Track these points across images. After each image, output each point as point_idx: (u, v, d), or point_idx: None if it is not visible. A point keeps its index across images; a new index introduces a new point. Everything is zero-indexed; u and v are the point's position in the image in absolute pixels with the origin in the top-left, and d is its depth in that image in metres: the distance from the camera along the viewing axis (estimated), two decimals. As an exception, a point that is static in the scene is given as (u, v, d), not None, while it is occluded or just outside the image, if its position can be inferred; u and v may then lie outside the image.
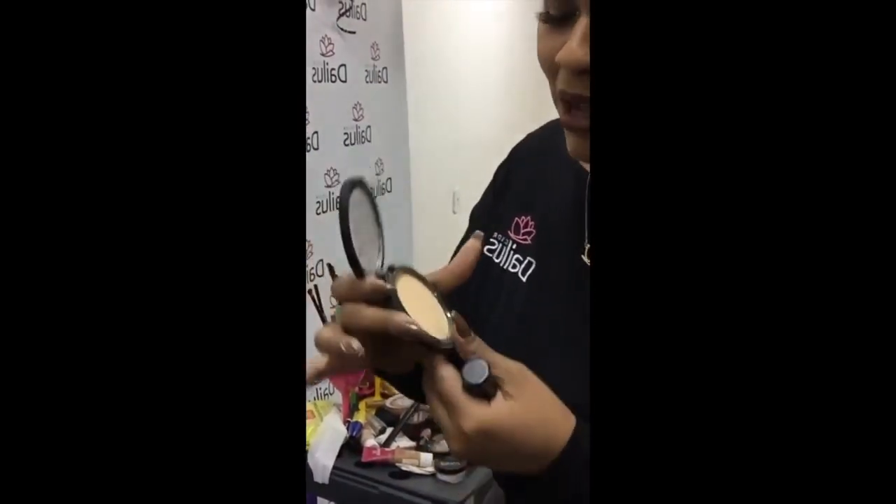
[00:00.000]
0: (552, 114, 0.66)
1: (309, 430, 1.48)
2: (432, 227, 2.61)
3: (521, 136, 0.77)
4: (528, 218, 0.68)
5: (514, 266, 0.67)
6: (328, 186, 1.92)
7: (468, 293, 0.66)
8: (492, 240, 0.70)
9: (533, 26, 0.53)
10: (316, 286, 1.68)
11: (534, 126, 0.76)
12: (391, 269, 0.49)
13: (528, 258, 0.66)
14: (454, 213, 3.05)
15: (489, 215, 0.73)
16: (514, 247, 0.67)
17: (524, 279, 0.65)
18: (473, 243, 0.54)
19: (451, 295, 0.53)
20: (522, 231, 0.68)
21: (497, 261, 0.68)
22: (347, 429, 1.50)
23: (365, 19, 2.03)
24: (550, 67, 0.51)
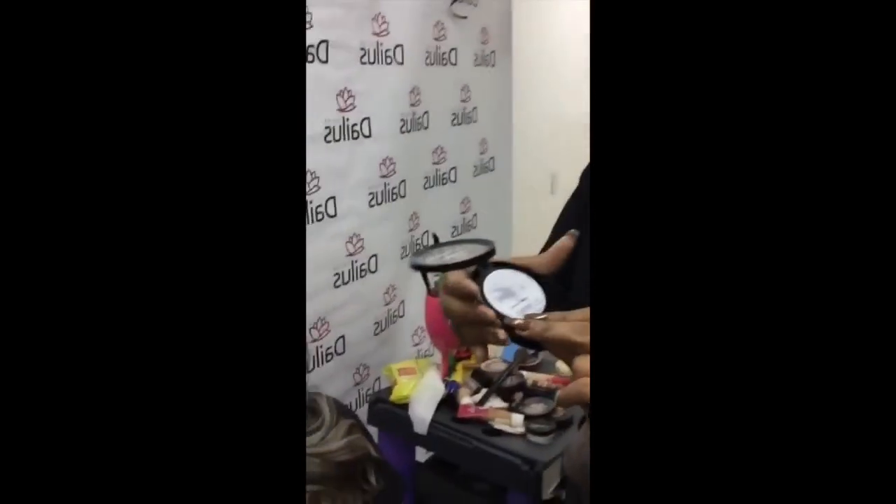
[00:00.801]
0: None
1: (410, 384, 1.61)
2: (531, 206, 2.69)
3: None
4: None
5: None
6: (435, 164, 2.03)
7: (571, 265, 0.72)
8: None
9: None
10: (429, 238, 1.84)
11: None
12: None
13: None
14: (552, 193, 3.11)
15: None
16: None
17: None
18: (566, 242, 0.59)
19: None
20: None
21: None
22: (446, 387, 1.62)
23: (476, 5, 2.12)
24: None
